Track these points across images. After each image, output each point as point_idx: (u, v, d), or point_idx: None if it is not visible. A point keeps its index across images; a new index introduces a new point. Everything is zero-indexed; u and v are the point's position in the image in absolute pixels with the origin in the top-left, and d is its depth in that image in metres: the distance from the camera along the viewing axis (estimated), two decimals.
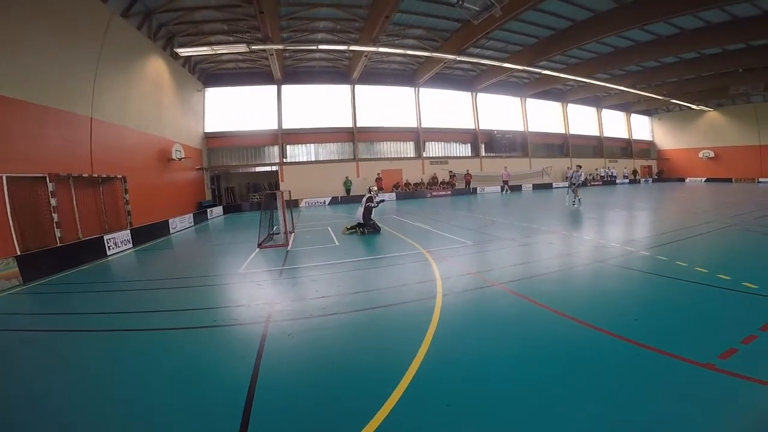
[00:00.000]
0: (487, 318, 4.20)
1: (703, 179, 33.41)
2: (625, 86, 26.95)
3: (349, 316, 4.41)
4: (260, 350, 3.58)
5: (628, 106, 35.88)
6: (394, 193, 25.74)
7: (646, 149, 39.34)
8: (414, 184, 26.98)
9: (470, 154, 29.70)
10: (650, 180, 37.25)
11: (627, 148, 37.81)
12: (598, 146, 35.69)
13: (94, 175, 11.20)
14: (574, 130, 33.91)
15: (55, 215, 9.19)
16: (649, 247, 7.21)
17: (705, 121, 34.28)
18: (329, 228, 12.38)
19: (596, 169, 34.30)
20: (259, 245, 9.34)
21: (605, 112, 35.87)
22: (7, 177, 8.15)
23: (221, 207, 22.32)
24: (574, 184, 15.55)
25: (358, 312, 4.55)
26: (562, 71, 24.04)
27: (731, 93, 28.33)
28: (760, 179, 29.15)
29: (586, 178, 27.90)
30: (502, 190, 27.61)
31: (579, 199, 15.20)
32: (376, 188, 13.03)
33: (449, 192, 27.12)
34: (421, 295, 5.04)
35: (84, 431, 2.61)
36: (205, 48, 16.85)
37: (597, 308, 4.31)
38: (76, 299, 6.09)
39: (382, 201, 11.61)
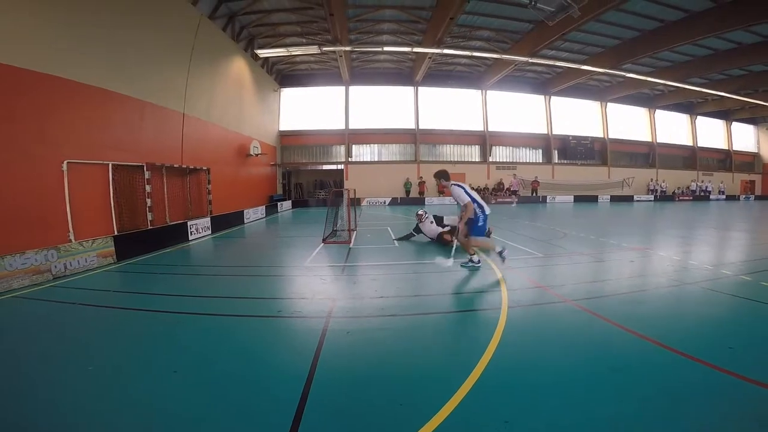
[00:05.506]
0: (556, 335, 3.89)
1: None
2: (725, 92, 23.95)
3: (408, 319, 4.35)
4: (320, 345, 3.64)
5: (728, 113, 31.88)
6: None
7: (750, 162, 34.65)
8: (478, 189, 26.24)
9: (541, 161, 28.21)
10: (751, 197, 32.73)
11: (726, 160, 33.55)
12: (691, 157, 32.05)
13: (183, 166, 12.32)
14: (662, 138, 30.73)
15: (148, 200, 10.26)
16: (752, 272, 6.28)
17: None
18: (389, 228, 12.46)
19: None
20: (324, 240, 9.65)
21: (700, 119, 32.08)
22: (112, 165, 9.25)
23: (290, 201, 23.59)
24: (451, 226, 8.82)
25: (417, 315, 4.46)
26: (650, 75, 21.95)
27: None
28: None
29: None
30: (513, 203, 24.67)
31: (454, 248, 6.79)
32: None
33: (515, 199, 25.96)
34: (484, 304, 4.84)
35: (145, 408, 2.77)
36: (281, 49, 17.95)
37: (684, 333, 3.82)
38: (158, 280, 6.65)
39: (448, 227, 9.12)
